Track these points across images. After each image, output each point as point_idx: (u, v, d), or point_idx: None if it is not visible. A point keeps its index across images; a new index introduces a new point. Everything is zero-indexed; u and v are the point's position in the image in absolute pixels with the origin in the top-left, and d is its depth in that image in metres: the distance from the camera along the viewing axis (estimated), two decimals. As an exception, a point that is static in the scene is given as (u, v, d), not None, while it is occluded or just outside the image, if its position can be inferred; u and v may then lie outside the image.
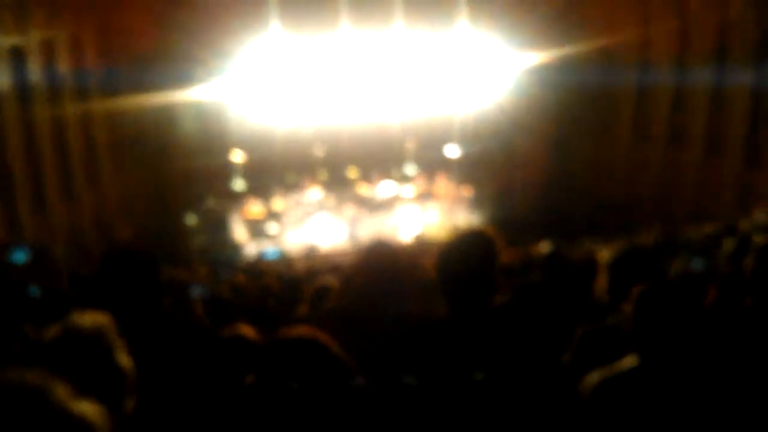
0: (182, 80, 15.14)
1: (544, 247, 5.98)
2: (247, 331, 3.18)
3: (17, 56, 12.21)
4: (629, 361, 2.33)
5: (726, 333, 2.85)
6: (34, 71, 12.67)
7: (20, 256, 4.67)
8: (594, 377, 2.35)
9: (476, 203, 17.32)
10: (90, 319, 1.81)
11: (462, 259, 2.42)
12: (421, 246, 14.64)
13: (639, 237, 9.43)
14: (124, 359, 1.80)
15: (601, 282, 3.32)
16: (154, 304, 2.56)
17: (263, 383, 1.60)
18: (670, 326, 2.28)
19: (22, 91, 12.43)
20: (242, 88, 16.05)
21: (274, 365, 1.64)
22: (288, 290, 5.66)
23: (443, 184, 17.56)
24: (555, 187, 17.32)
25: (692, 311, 2.30)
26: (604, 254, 3.41)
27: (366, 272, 3.60)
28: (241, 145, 16.95)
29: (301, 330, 1.82)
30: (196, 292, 5.41)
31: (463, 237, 2.51)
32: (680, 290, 2.35)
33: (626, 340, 2.39)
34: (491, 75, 16.71)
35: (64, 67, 13.57)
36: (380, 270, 3.48)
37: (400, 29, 15.80)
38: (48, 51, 13.09)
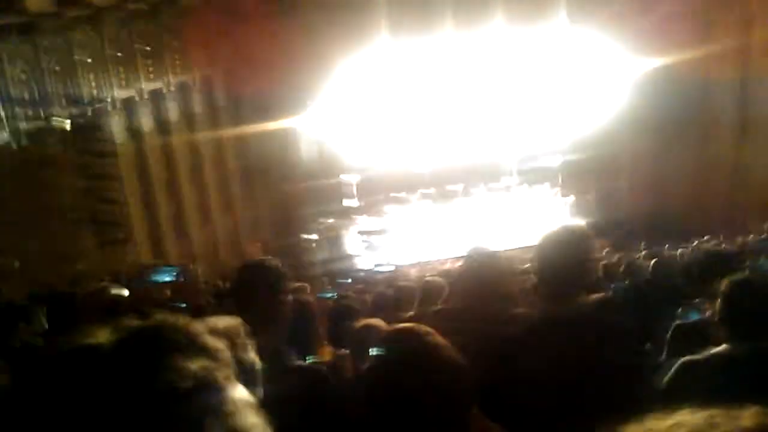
0: (299, 108, 15.76)
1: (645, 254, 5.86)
2: (378, 323, 3.31)
3: (156, 97, 13.10)
4: (717, 349, 2.28)
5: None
6: (172, 109, 13.55)
7: (165, 277, 5.04)
8: (679, 360, 2.31)
9: (579, 210, 16.87)
10: (223, 321, 1.97)
11: (557, 251, 2.41)
12: (524, 253, 14.40)
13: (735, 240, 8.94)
14: (252, 357, 1.94)
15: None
16: (280, 309, 2.71)
17: (377, 371, 1.68)
18: (758, 315, 2.21)
19: (162, 128, 13.32)
20: (351, 112, 16.48)
21: (386, 353, 1.71)
22: (399, 297, 5.76)
23: (545, 192, 17.25)
24: (656, 193, 16.63)
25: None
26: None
27: (469, 276, 3.65)
28: (352, 166, 17.41)
29: (409, 324, 1.88)
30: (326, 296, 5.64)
31: (559, 231, 2.51)
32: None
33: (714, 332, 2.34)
34: (594, 83, 16.29)
35: (196, 105, 14.41)
36: (482, 273, 3.52)
37: (505, 40, 15.66)
38: (183, 92, 13.97)
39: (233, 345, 1.94)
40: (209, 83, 14.95)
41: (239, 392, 0.95)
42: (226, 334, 1.95)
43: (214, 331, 1.94)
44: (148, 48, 12.71)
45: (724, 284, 2.32)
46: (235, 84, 15.77)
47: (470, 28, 15.55)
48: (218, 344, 1.13)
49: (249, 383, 1.94)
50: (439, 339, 1.71)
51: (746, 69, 15.48)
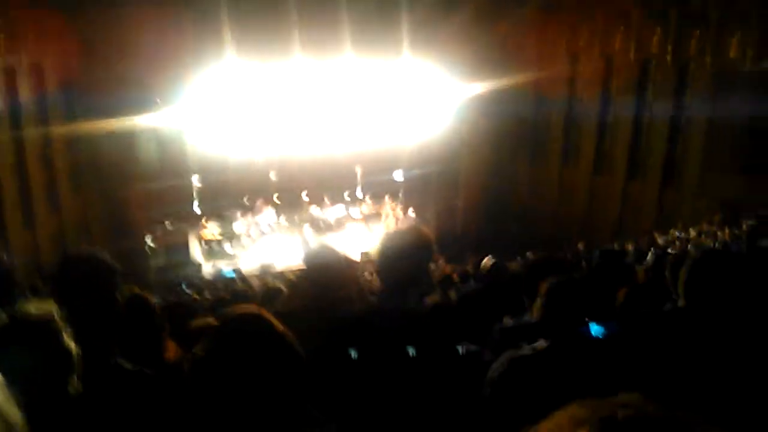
0: (140, 106, 14.98)
1: (488, 261, 6.19)
2: (215, 321, 3.20)
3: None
4: (538, 345, 2.44)
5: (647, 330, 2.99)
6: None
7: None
8: (503, 357, 2.45)
9: (420, 223, 17.50)
10: (36, 306, 1.83)
11: (400, 250, 2.48)
12: (368, 261, 14.71)
13: (564, 251, 9.70)
14: (70, 343, 1.82)
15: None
16: (107, 305, 2.54)
17: (215, 356, 1.63)
18: (574, 314, 2.39)
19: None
20: (198, 114, 15.98)
21: (225, 338, 1.66)
22: (240, 301, 5.66)
23: (389, 206, 17.73)
24: (492, 207, 17.67)
25: (593, 303, 2.43)
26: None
27: (308, 278, 3.65)
28: (198, 169, 16.86)
29: (247, 307, 1.84)
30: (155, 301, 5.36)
31: (401, 232, 2.58)
32: (584, 285, 2.47)
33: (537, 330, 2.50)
34: (435, 104, 17.02)
35: (23, 93, 13.31)
36: (321, 275, 3.54)
37: (348, 61, 15.97)
38: (7, 78, 12.84)
39: (48, 332, 1.81)
40: (39, 71, 13.85)
41: None
42: (39, 319, 1.81)
43: (24, 316, 1.80)
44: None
45: (545, 285, 2.50)
46: (70, 75, 14.74)
47: (320, 52, 15.74)
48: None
49: (64, 370, 1.82)
50: (280, 325, 1.69)
51: (573, 95, 16.95)
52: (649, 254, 8.79)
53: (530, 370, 2.40)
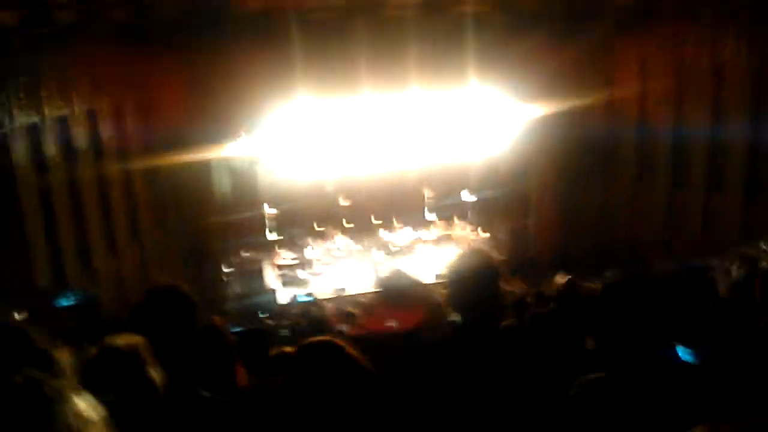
0: (216, 139, 15.48)
1: (561, 278, 6.00)
2: (290, 350, 3.25)
3: (63, 124, 12.63)
4: (615, 370, 2.35)
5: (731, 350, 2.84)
6: (79, 137, 13.08)
7: (65, 301, 4.78)
8: (577, 381, 2.36)
9: (491, 245, 17.30)
10: (124, 339, 1.90)
11: (465, 275, 2.46)
12: (441, 283, 14.60)
13: (642, 270, 9.35)
14: (155, 373, 1.88)
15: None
16: (188, 336, 2.61)
17: (291, 382, 1.67)
18: (654, 336, 2.28)
19: (69, 155, 12.82)
20: (271, 146, 16.39)
21: (300, 366, 1.71)
22: (315, 326, 5.71)
23: (460, 228, 17.64)
24: (563, 228, 17.30)
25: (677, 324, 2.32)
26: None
27: (383, 302, 3.67)
28: (272, 199, 17.27)
29: (321, 337, 1.89)
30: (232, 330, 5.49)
31: (468, 256, 2.56)
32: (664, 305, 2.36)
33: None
34: (503, 126, 16.89)
35: (106, 132, 13.96)
36: (396, 299, 3.55)
37: (415, 87, 16.03)
38: (91, 118, 13.52)
39: (135, 363, 1.88)
40: (120, 111, 14.52)
41: (80, 405, 0.86)
42: (126, 350, 1.88)
43: (113, 348, 1.87)
44: (54, 73, 12.27)
45: (623, 304, 2.40)
46: (149, 113, 15.37)
47: (389, 83, 15.83)
48: (59, 353, 1.07)
49: (149, 400, 1.88)
50: (353, 351, 1.72)
51: (644, 114, 16.47)
52: (735, 269, 8.39)
53: (607, 395, 2.31)
